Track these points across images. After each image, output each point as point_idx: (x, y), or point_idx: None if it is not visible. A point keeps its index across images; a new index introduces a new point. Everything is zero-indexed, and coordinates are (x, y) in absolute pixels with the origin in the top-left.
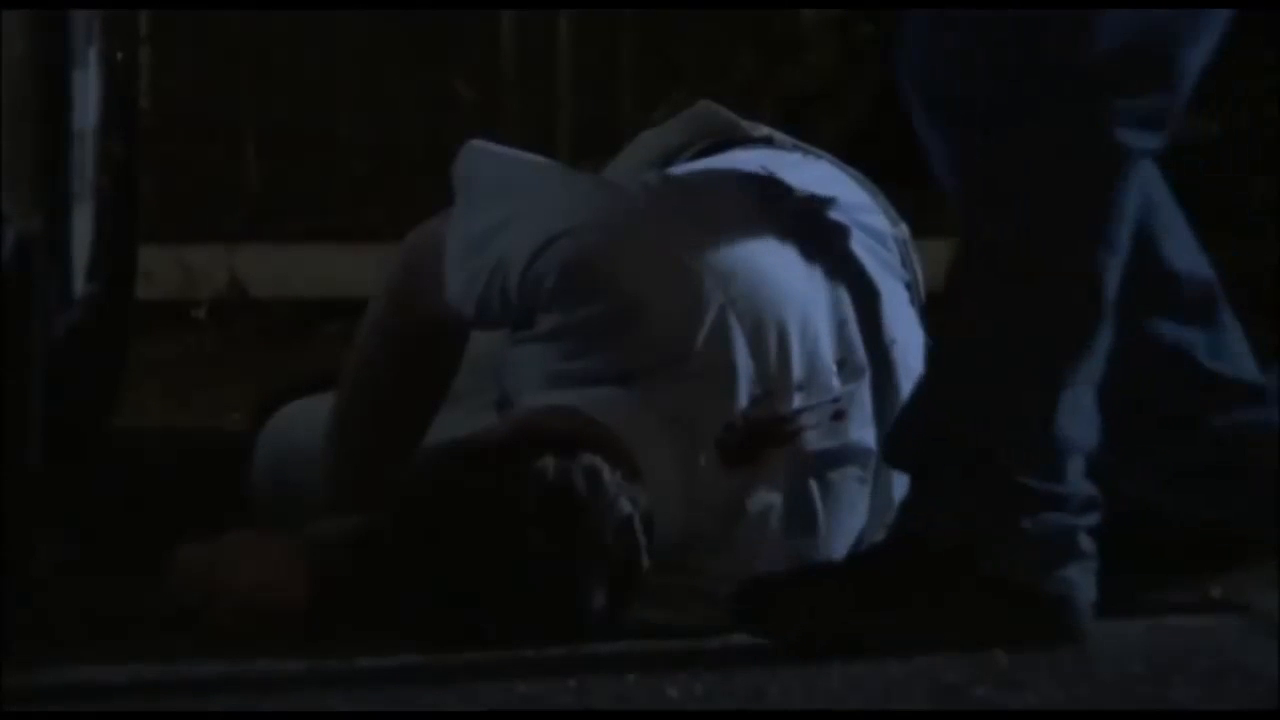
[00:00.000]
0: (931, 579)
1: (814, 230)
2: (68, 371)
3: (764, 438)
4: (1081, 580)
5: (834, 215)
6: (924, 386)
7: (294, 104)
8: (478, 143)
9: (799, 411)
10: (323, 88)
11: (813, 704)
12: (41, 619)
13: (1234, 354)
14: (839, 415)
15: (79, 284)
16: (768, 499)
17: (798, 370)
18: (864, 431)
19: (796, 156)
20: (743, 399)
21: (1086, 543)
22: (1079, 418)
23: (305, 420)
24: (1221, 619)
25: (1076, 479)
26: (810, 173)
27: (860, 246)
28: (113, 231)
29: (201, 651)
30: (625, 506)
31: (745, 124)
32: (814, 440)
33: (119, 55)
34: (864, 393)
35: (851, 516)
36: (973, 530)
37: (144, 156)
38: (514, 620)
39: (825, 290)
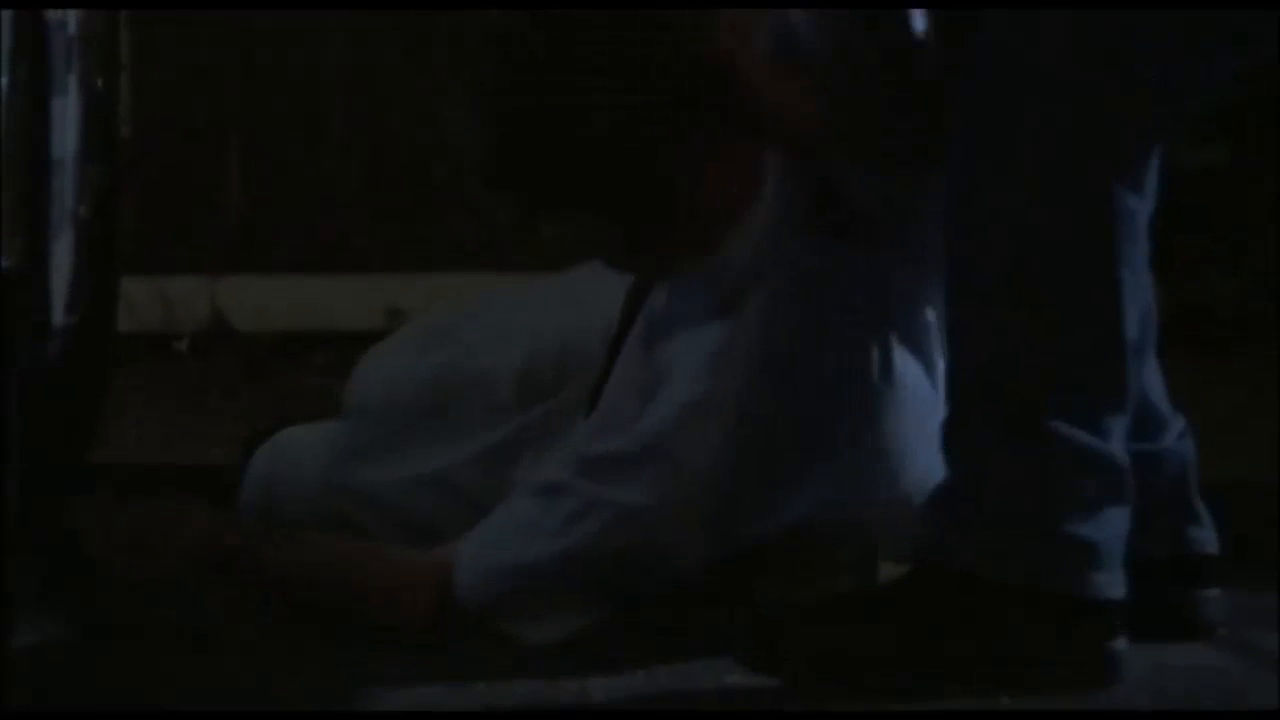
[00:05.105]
0: (961, 608)
1: None
2: (46, 404)
3: None
4: (1116, 580)
5: None
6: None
7: (277, 133)
8: None
9: None
10: (307, 117)
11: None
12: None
13: (1150, 376)
14: None
15: (58, 315)
16: None
17: None
18: None
19: None
20: None
21: (1118, 527)
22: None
23: (294, 448)
24: (1225, 657)
25: (1120, 442)
26: None
27: None
28: (93, 262)
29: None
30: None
31: None
32: None
33: (100, 82)
34: None
35: None
36: (1000, 535)
37: (125, 185)
38: None
39: None
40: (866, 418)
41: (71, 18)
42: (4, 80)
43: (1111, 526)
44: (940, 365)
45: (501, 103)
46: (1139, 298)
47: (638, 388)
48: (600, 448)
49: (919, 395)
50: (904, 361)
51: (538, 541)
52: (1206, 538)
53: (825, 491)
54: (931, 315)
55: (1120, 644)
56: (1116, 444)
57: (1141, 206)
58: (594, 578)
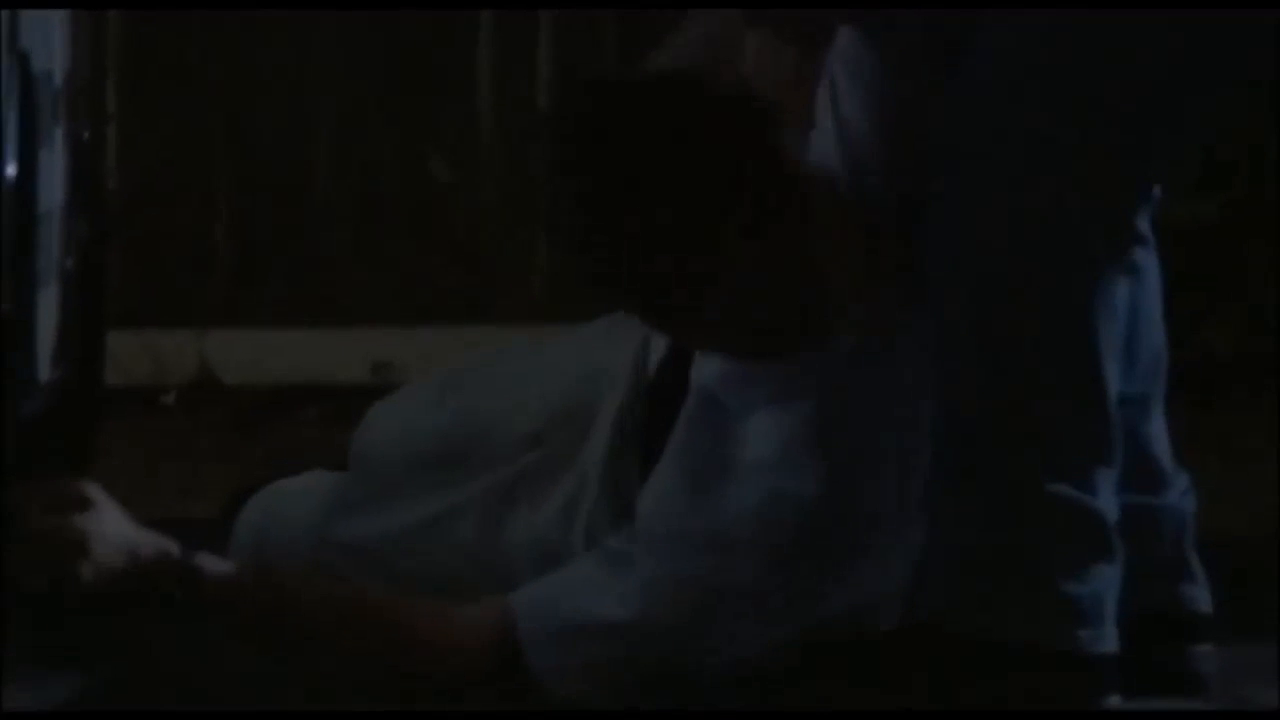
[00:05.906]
0: (949, 667)
1: None
2: (33, 459)
3: None
4: (1105, 635)
5: None
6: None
7: (267, 185)
8: None
9: None
10: (296, 169)
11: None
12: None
13: (1155, 430)
14: None
15: (45, 370)
16: None
17: None
18: None
19: None
20: None
21: (1106, 582)
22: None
23: (286, 500)
24: (1221, 713)
25: (1108, 497)
26: None
27: None
28: (79, 315)
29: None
30: None
31: None
32: None
33: (86, 134)
34: None
35: None
36: (986, 593)
37: (112, 238)
38: None
39: None
40: (919, 503)
41: (58, 69)
42: None
43: (1099, 582)
44: None
45: (571, 176)
46: (1147, 344)
47: (701, 469)
48: (673, 525)
49: None
50: None
51: (607, 604)
52: (1200, 595)
53: (875, 580)
54: None
55: (1112, 700)
56: (1104, 499)
57: (1142, 248)
58: (658, 653)
